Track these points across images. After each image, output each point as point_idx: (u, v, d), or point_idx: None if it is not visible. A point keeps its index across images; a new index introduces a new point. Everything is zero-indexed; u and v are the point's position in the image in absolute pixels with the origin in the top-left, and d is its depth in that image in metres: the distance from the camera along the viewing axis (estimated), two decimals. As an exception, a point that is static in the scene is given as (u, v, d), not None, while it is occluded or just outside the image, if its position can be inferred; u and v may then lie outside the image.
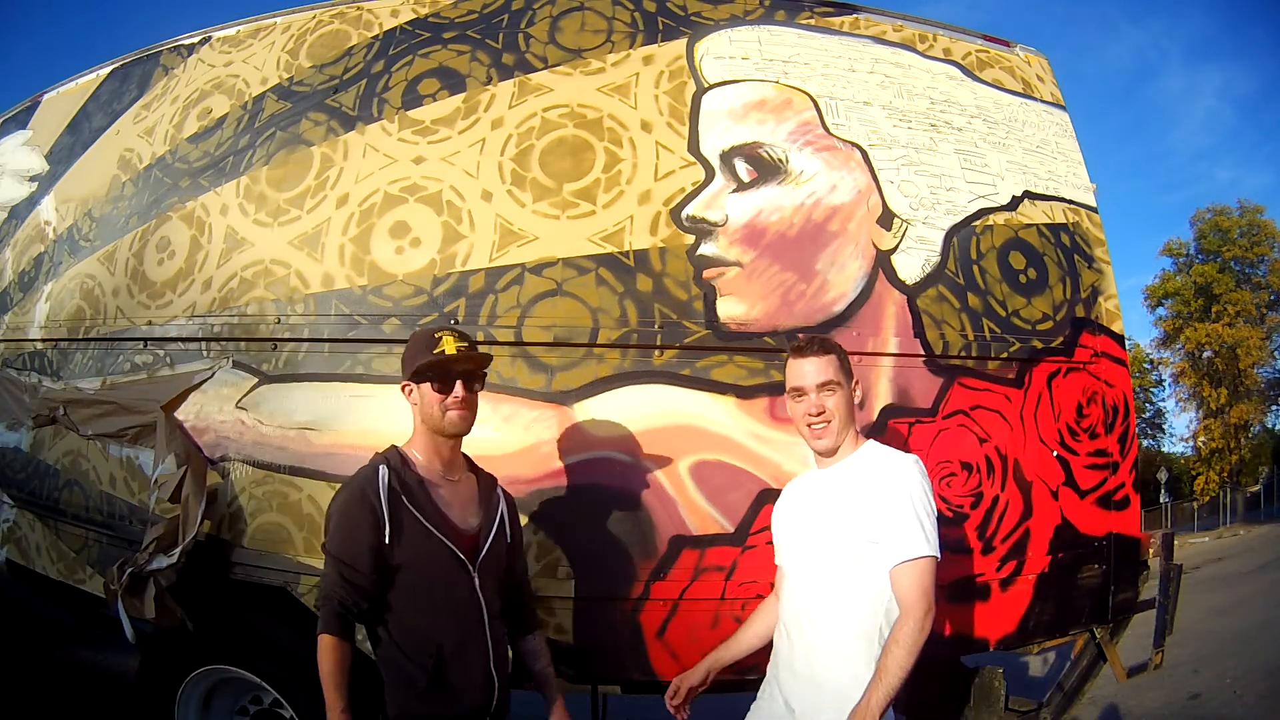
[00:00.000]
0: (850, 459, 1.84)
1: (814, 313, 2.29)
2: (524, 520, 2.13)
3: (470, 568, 1.70)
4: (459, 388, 1.71)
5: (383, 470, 1.68)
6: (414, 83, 2.51)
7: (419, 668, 1.64)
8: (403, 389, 1.77)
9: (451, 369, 1.71)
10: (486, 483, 1.85)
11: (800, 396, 1.82)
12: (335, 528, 1.66)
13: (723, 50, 2.54)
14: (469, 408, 1.74)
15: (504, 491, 1.88)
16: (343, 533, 1.65)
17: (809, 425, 1.81)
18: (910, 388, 2.32)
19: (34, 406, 2.82)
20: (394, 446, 1.77)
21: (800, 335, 2.04)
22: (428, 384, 1.71)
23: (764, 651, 1.91)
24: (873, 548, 1.70)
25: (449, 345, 1.69)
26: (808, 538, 1.82)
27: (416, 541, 1.66)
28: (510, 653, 1.82)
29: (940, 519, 2.25)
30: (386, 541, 1.63)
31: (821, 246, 2.35)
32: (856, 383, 1.88)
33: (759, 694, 1.87)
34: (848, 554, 1.73)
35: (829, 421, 1.80)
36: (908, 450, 2.25)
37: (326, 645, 1.59)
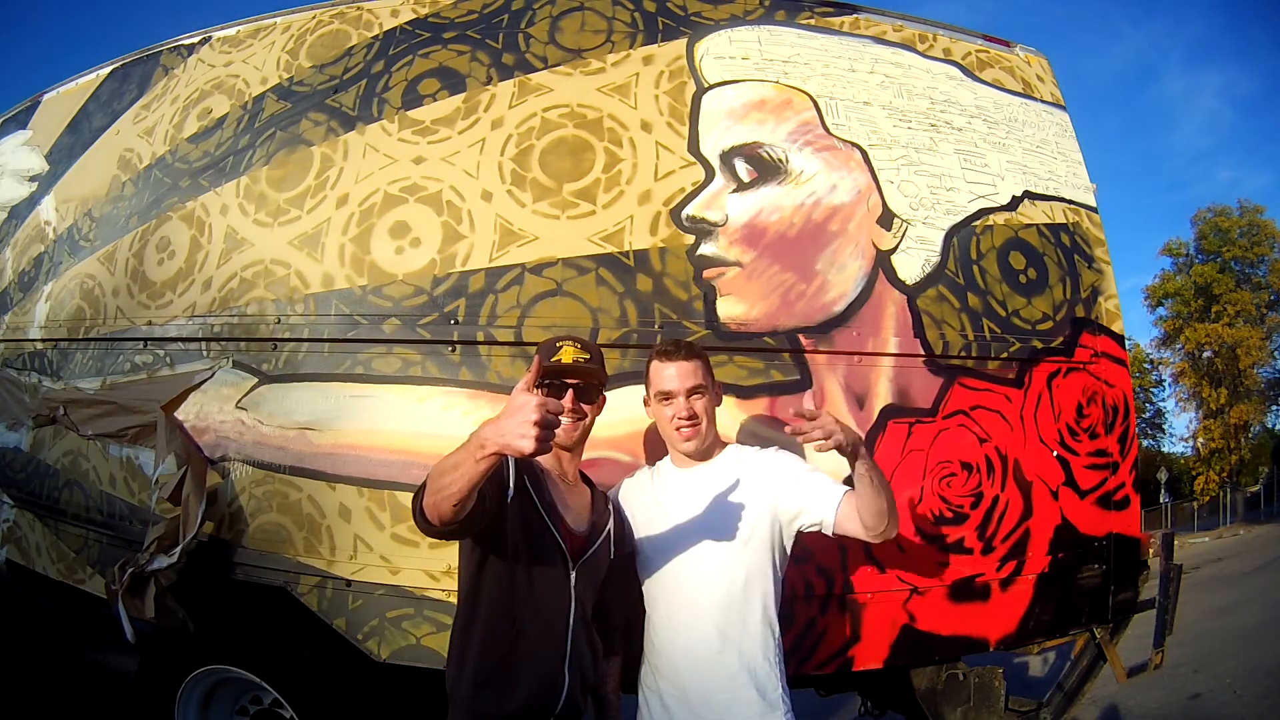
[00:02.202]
0: (722, 458, 1.89)
1: (814, 313, 2.29)
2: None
3: (570, 563, 1.70)
4: (568, 398, 1.75)
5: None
6: (414, 83, 2.51)
7: (492, 653, 1.63)
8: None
9: (563, 378, 1.75)
10: (601, 497, 1.87)
11: (668, 400, 1.84)
12: None
13: (723, 50, 2.54)
14: (575, 418, 1.77)
15: (619, 510, 1.90)
16: None
17: (679, 429, 1.83)
18: (910, 388, 2.32)
19: (34, 406, 2.82)
20: None
21: (664, 339, 2.05)
22: (540, 390, 1.74)
23: None
24: (775, 533, 1.80)
25: (565, 354, 1.75)
26: (697, 537, 1.80)
27: (528, 522, 1.67)
28: (596, 662, 1.79)
29: (940, 519, 2.27)
30: (509, 497, 1.63)
31: (821, 246, 2.35)
32: (718, 386, 1.93)
33: (647, 706, 1.85)
34: (751, 545, 1.78)
35: (698, 425, 1.83)
36: (908, 451, 2.26)
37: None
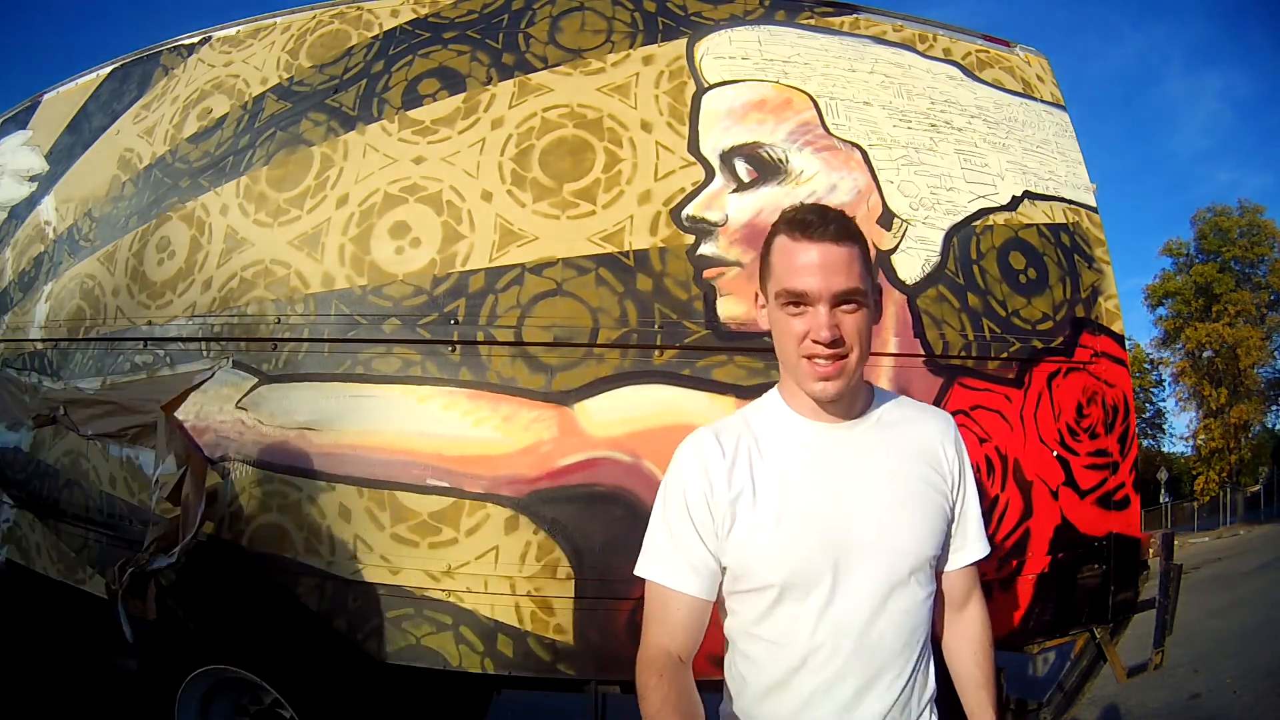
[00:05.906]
0: (878, 415, 1.23)
1: (814, 313, 2.29)
2: (523, 519, 2.13)
3: None
4: None
5: None
6: (414, 83, 2.51)
7: None
8: None
9: None
10: None
11: (799, 308, 1.11)
12: None
13: (723, 50, 2.54)
14: None
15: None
16: None
17: (812, 359, 1.10)
18: (910, 388, 2.31)
19: (34, 406, 2.82)
20: None
21: (801, 204, 1.27)
22: None
23: None
24: (946, 538, 1.31)
25: None
26: (857, 526, 1.16)
27: None
28: None
29: (940, 519, 2.25)
30: None
31: (821, 246, 2.35)
32: (879, 293, 1.22)
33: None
34: (929, 548, 1.23)
35: (845, 356, 1.10)
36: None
37: None
